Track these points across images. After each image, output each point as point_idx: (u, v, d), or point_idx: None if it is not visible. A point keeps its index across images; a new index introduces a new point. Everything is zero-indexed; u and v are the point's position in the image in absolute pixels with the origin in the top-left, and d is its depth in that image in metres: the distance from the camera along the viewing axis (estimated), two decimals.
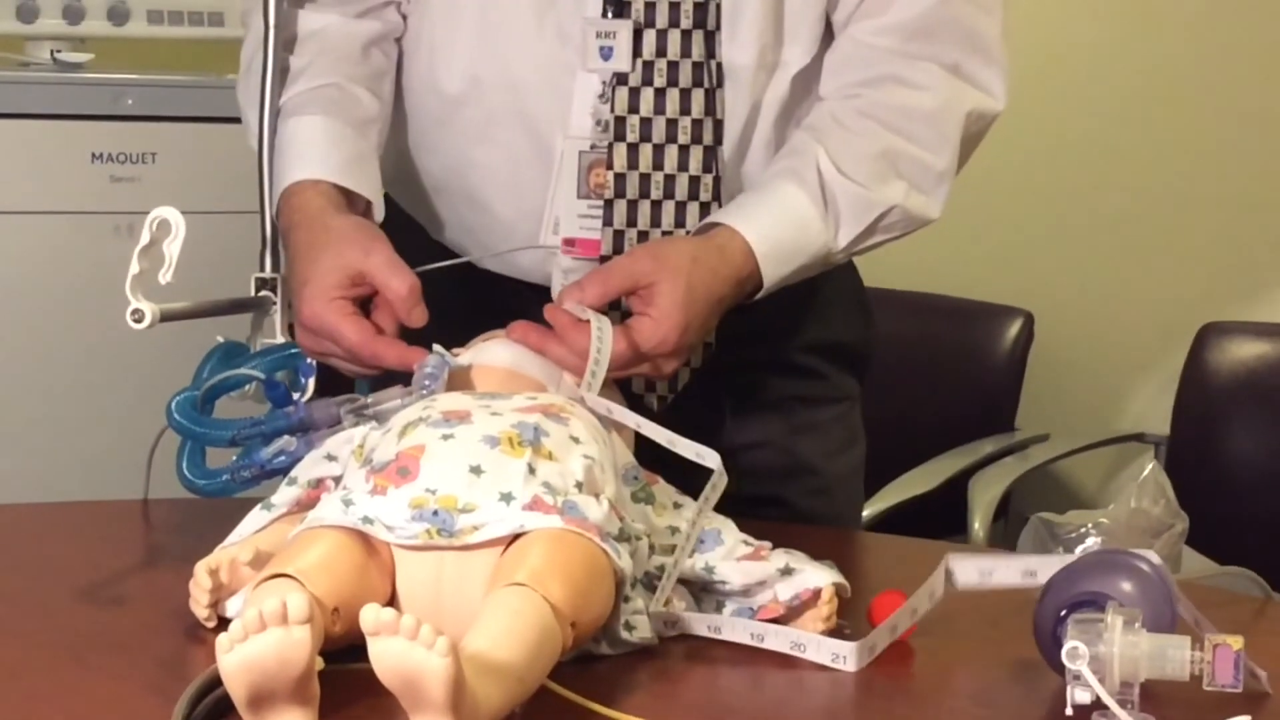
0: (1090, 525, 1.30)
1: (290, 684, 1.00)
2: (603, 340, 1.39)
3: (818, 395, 1.70)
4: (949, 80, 1.55)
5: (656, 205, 1.55)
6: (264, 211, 1.53)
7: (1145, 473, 1.31)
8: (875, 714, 1.17)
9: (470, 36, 1.58)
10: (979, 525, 2.75)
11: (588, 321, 1.40)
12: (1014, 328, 3.24)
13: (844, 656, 1.20)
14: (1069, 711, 1.06)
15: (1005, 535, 2.98)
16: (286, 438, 1.36)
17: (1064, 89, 3.37)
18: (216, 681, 1.04)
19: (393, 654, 0.97)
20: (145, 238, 1.35)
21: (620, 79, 1.54)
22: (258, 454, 1.36)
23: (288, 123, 1.55)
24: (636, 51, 1.54)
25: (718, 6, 1.53)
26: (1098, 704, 1.04)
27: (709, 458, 1.30)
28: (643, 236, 1.54)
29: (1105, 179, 3.43)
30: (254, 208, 1.75)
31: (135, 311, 1.37)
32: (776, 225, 1.50)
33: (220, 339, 1.46)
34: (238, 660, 0.99)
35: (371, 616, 0.98)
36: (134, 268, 1.35)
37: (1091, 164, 3.42)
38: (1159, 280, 3.40)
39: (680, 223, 1.54)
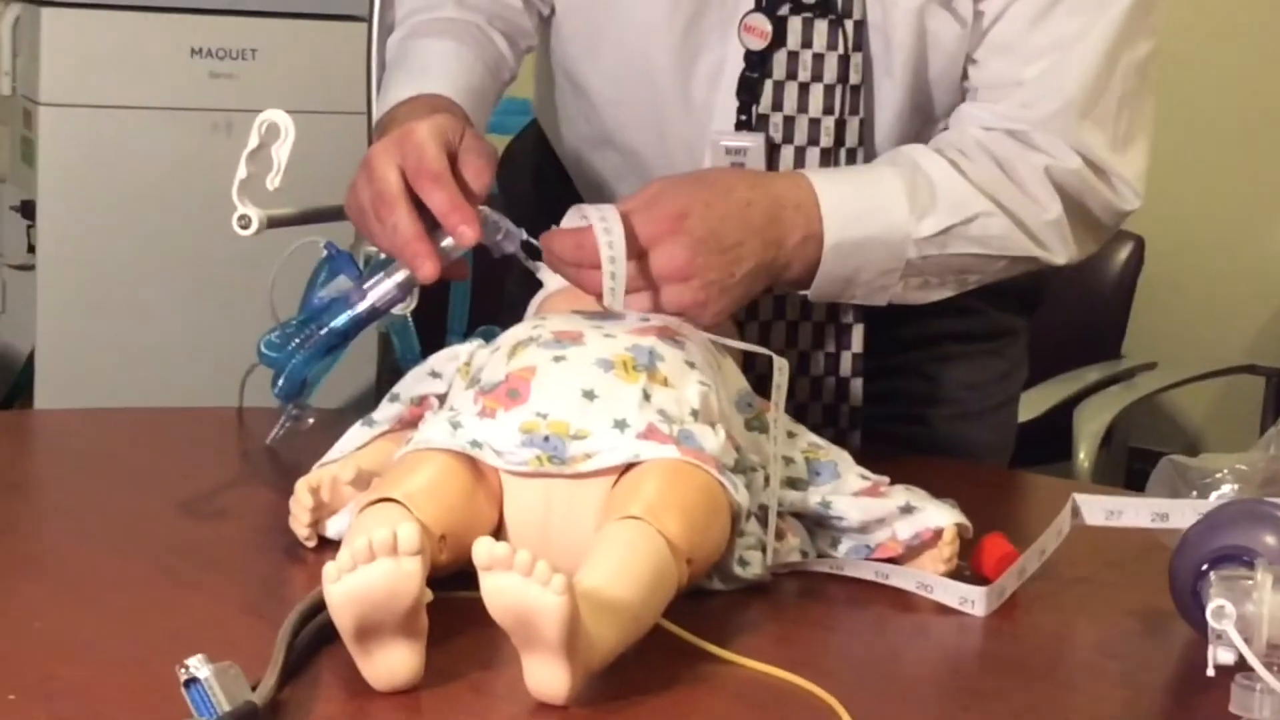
0: (1226, 471, 1.23)
1: (399, 616, 0.96)
2: (610, 233, 1.25)
3: (971, 331, 1.65)
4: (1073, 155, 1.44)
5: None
6: (370, 113, 1.48)
7: None
8: (1004, 663, 1.12)
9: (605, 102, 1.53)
10: (1084, 455, 2.70)
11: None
12: (1124, 252, 3.16)
13: (973, 601, 1.16)
14: (1210, 672, 1.00)
15: (1108, 465, 2.93)
16: (341, 277, 1.29)
17: (1177, 13, 3.28)
18: (319, 607, 1.01)
19: (506, 590, 0.93)
20: (254, 141, 1.30)
21: None
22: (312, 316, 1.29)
23: (420, 41, 1.47)
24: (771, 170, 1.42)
25: (861, 121, 1.44)
26: (1240, 664, 0.99)
27: (764, 351, 1.24)
28: (764, 328, 1.48)
29: (1223, 101, 3.34)
30: (355, 108, 1.71)
31: (242, 217, 1.33)
32: (851, 183, 1.39)
33: (322, 245, 1.41)
34: (345, 591, 0.95)
35: (485, 550, 0.94)
36: (241, 172, 1.31)
37: (1209, 86, 3.33)
38: (1276, 206, 3.32)
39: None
